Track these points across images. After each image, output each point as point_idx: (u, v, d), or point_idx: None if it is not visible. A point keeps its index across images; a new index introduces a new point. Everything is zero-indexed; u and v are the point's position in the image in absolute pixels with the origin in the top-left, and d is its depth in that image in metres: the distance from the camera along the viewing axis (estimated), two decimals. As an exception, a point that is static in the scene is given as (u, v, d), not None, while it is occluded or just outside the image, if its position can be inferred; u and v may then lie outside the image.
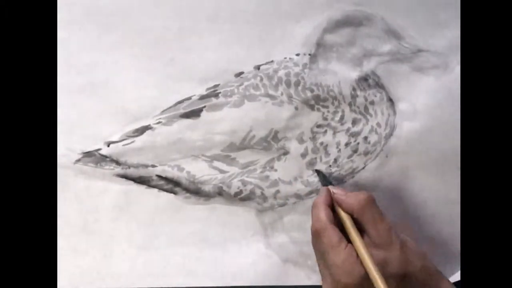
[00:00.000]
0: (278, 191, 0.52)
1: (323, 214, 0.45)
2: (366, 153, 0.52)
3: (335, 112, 0.51)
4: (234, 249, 0.52)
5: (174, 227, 0.51)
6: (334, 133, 0.51)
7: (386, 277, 0.42)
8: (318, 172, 0.51)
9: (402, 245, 0.44)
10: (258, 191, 0.51)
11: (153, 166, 0.51)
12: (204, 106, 0.50)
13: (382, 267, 0.43)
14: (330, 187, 0.47)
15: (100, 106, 0.50)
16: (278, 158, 0.51)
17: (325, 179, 0.50)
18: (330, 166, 0.52)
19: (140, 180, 0.51)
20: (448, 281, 0.47)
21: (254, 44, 0.50)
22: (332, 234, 0.44)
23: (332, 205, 0.46)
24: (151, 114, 0.50)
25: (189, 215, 0.52)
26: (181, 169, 0.51)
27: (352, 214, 0.45)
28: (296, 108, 0.50)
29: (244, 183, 0.51)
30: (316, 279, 0.53)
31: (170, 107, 0.50)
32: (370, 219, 0.44)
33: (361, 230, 0.45)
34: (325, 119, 0.51)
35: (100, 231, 0.51)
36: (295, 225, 0.52)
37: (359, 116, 0.51)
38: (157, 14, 0.49)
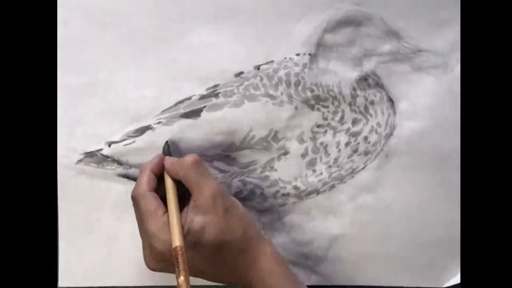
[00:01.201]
0: (278, 191, 0.51)
1: (144, 180, 0.44)
2: (366, 153, 0.52)
3: (335, 112, 0.51)
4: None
5: (175, 226, 0.51)
6: (334, 133, 0.51)
7: (201, 244, 0.42)
8: (166, 142, 0.49)
9: (226, 211, 0.43)
10: (258, 191, 0.51)
11: (154, 166, 0.51)
12: (204, 106, 0.50)
13: (199, 233, 0.42)
14: (165, 157, 0.46)
15: (101, 106, 0.50)
16: (278, 158, 0.51)
17: (167, 150, 0.49)
18: (330, 166, 0.52)
19: (141, 180, 0.51)
20: (270, 243, 0.46)
21: (254, 44, 0.50)
22: (149, 202, 0.43)
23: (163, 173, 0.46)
24: (152, 114, 0.50)
25: (189, 214, 0.52)
26: (181, 169, 0.51)
27: (179, 179, 0.44)
28: (296, 108, 0.50)
29: (244, 183, 0.51)
30: (316, 279, 0.53)
31: (170, 107, 0.50)
32: (194, 182, 0.43)
33: (190, 193, 0.44)
34: (325, 119, 0.51)
35: (102, 230, 0.51)
36: (295, 225, 0.52)
37: (359, 116, 0.51)
38: (157, 14, 0.49)
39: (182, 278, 0.39)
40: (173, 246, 0.41)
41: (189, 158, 0.44)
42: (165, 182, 0.45)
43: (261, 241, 0.46)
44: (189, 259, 0.41)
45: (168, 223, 0.42)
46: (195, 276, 0.45)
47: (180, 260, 0.40)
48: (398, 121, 0.52)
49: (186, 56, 0.50)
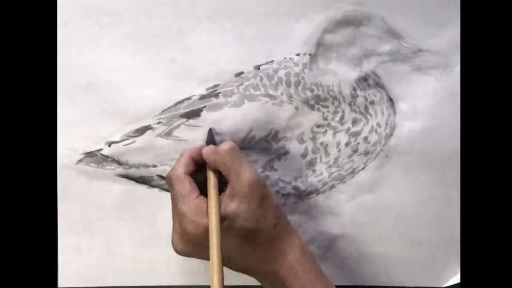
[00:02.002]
0: (278, 191, 0.52)
1: (181, 163, 0.45)
2: (366, 153, 0.52)
3: (335, 112, 0.51)
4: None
5: (175, 226, 0.52)
6: (334, 133, 0.51)
7: (233, 229, 0.43)
8: (210, 130, 0.50)
9: (261, 200, 0.44)
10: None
11: (154, 166, 0.51)
12: (204, 106, 0.50)
13: (232, 219, 0.43)
14: (205, 147, 0.47)
15: (101, 106, 0.50)
16: (278, 158, 0.51)
17: (210, 138, 0.49)
18: (330, 166, 0.52)
19: (142, 180, 0.51)
20: (299, 237, 0.46)
21: (254, 44, 0.50)
22: (183, 184, 0.43)
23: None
24: (151, 114, 0.50)
25: (189, 214, 0.52)
26: (181, 169, 0.51)
27: (217, 168, 0.45)
28: (296, 108, 0.50)
29: (244, 183, 0.51)
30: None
31: (170, 107, 0.50)
32: (231, 170, 0.44)
33: (228, 181, 0.44)
34: (325, 119, 0.51)
35: (102, 230, 0.51)
36: (295, 225, 0.52)
37: (359, 116, 0.51)
38: (157, 14, 0.49)
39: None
40: (210, 226, 0.41)
41: (225, 146, 0.45)
42: (207, 170, 0.45)
43: (291, 233, 0.46)
44: (222, 244, 0.41)
45: (200, 205, 0.43)
46: None
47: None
48: (398, 121, 0.52)
49: (186, 56, 0.50)
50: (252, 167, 0.45)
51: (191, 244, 0.44)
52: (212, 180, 0.45)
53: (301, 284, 0.44)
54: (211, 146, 0.46)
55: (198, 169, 0.46)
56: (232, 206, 0.43)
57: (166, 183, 0.51)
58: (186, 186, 0.44)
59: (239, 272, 0.47)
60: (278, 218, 0.45)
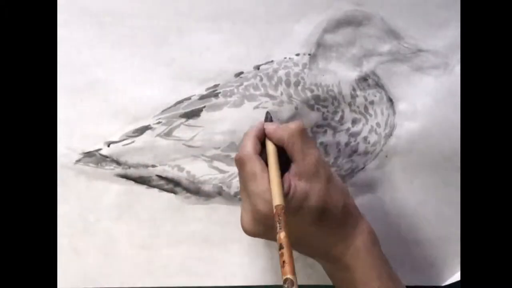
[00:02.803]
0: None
1: (250, 143, 0.44)
2: (366, 153, 0.52)
3: (335, 112, 0.51)
4: (234, 249, 0.52)
5: (175, 226, 0.51)
6: (334, 133, 0.51)
7: (304, 209, 0.42)
8: (267, 112, 0.50)
9: (328, 180, 0.43)
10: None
11: (153, 166, 0.51)
12: (204, 106, 0.50)
13: (302, 198, 0.42)
14: (265, 122, 0.46)
15: (100, 106, 0.50)
16: (278, 158, 0.51)
17: (269, 117, 0.49)
18: (330, 166, 0.52)
19: (141, 180, 0.51)
20: (367, 222, 0.46)
21: (254, 44, 0.50)
22: (255, 164, 0.43)
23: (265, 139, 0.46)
24: (151, 114, 0.50)
25: (189, 215, 0.52)
26: (181, 169, 0.51)
27: (282, 145, 0.44)
28: (296, 108, 0.50)
29: (244, 183, 0.51)
30: (316, 279, 0.53)
31: (170, 107, 0.50)
32: (298, 149, 0.43)
33: (291, 161, 0.44)
34: (325, 119, 0.51)
35: (101, 231, 0.51)
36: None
37: (359, 116, 0.51)
38: (157, 14, 0.49)
39: (283, 233, 0.38)
40: (274, 204, 0.40)
41: (294, 125, 0.44)
42: (267, 146, 0.45)
43: (359, 219, 0.45)
44: (289, 224, 0.39)
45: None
46: None
47: (282, 217, 0.39)
48: (398, 121, 0.52)
49: (186, 56, 0.50)
50: (317, 148, 0.44)
51: (262, 224, 0.43)
52: (272, 155, 0.44)
53: (365, 271, 0.44)
54: (277, 123, 0.46)
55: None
56: (301, 186, 0.42)
57: (165, 183, 0.51)
58: (258, 166, 0.43)
59: (305, 255, 0.46)
60: (345, 200, 0.44)
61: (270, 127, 0.45)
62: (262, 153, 0.45)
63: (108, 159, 0.50)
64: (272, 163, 0.43)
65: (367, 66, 0.51)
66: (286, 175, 0.43)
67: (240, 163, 0.44)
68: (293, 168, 0.43)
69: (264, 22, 0.50)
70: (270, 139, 0.45)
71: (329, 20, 0.50)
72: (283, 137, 0.44)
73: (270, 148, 0.44)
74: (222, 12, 0.49)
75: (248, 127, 0.50)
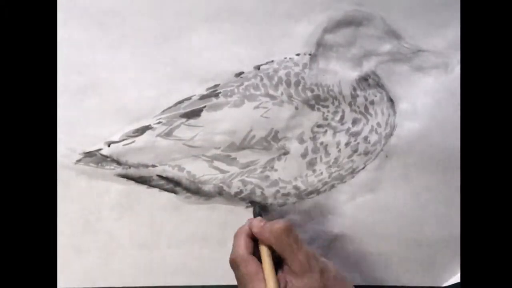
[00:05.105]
0: (278, 191, 0.52)
1: (241, 243, 0.45)
2: (366, 153, 0.52)
3: (335, 112, 0.51)
4: (234, 249, 0.52)
5: (175, 226, 0.52)
6: (334, 133, 0.51)
7: None
8: (253, 203, 0.50)
9: (322, 272, 0.44)
10: (258, 191, 0.51)
11: (154, 166, 0.51)
12: (204, 106, 0.50)
13: None
14: (252, 219, 0.47)
15: (100, 106, 0.50)
16: (278, 158, 0.51)
17: (258, 212, 0.49)
18: (330, 166, 0.52)
19: (141, 180, 0.51)
20: None
21: (254, 44, 0.50)
22: (250, 265, 0.43)
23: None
24: (151, 114, 0.50)
25: (189, 214, 0.52)
26: (181, 169, 0.51)
27: (271, 245, 0.44)
28: (296, 108, 0.50)
29: (244, 183, 0.51)
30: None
31: (170, 107, 0.50)
32: (287, 249, 0.43)
33: (281, 259, 0.44)
34: (325, 119, 0.51)
35: (102, 230, 0.51)
36: (295, 225, 0.52)
37: (359, 116, 0.51)
38: (157, 14, 0.49)
39: None
40: None
41: (280, 225, 0.44)
42: (259, 245, 0.45)
43: None
44: None
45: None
46: None
47: None
48: (398, 121, 0.52)
49: (186, 56, 0.50)
50: (305, 243, 0.44)
51: None
52: (265, 255, 0.44)
53: None
54: (261, 221, 0.45)
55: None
56: (297, 283, 0.43)
57: (166, 183, 0.51)
58: (253, 266, 0.43)
59: None
60: (342, 285, 0.45)
61: (256, 227, 0.45)
62: (256, 250, 0.45)
63: (108, 159, 0.50)
64: (266, 262, 0.44)
65: (368, 66, 0.51)
66: (281, 274, 0.44)
67: (234, 265, 0.44)
68: (286, 266, 0.44)
69: (265, 22, 0.50)
70: (259, 239, 0.45)
71: (329, 20, 0.50)
72: (270, 239, 0.44)
73: (263, 247, 0.45)
74: (222, 12, 0.49)
75: (249, 127, 0.50)
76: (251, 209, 0.51)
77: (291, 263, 0.43)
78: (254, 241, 0.45)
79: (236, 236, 0.46)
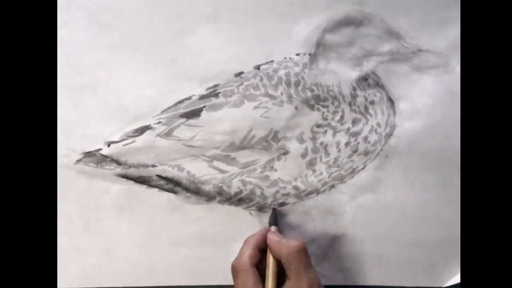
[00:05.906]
0: (278, 191, 0.52)
1: (248, 253, 0.45)
2: (366, 153, 0.52)
3: (335, 112, 0.51)
4: (234, 248, 0.52)
5: (175, 226, 0.52)
6: (334, 133, 0.51)
7: None
8: (274, 210, 0.50)
9: None
10: (258, 191, 0.51)
11: (153, 166, 0.51)
12: (204, 106, 0.50)
13: None
14: (271, 228, 0.47)
15: (100, 106, 0.50)
16: (278, 158, 0.51)
17: (273, 220, 0.49)
18: (330, 166, 0.52)
19: (141, 180, 0.51)
20: None
21: (254, 44, 0.50)
22: (248, 277, 0.44)
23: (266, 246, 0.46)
24: (151, 114, 0.50)
25: (189, 214, 0.52)
26: (181, 169, 0.51)
27: (280, 260, 0.44)
28: (296, 108, 0.50)
29: (244, 183, 0.51)
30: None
31: (170, 107, 0.50)
32: (295, 269, 0.44)
33: (286, 277, 0.44)
34: (325, 119, 0.51)
35: (101, 230, 0.51)
36: (295, 225, 0.52)
37: (359, 116, 0.51)
38: (157, 14, 0.49)
39: None
40: None
41: (295, 243, 0.44)
42: (267, 257, 0.45)
43: None
44: None
45: None
46: None
47: None
48: (398, 121, 0.52)
49: (186, 56, 0.50)
50: (314, 270, 0.44)
51: None
52: (272, 270, 0.45)
53: None
54: (278, 236, 0.46)
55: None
56: None
57: (165, 183, 0.51)
58: (251, 278, 0.43)
59: None
60: None
61: (272, 240, 0.45)
62: (262, 261, 0.45)
63: (108, 159, 0.50)
64: (270, 277, 0.44)
65: (367, 66, 0.51)
66: None
67: (234, 273, 0.45)
68: (288, 283, 0.44)
69: (264, 22, 0.50)
70: (270, 251, 0.45)
71: (329, 20, 0.50)
72: (282, 254, 0.44)
73: (270, 261, 0.45)
74: (222, 12, 0.50)
75: (249, 127, 0.50)
76: (250, 210, 0.51)
77: (293, 284, 0.43)
78: (261, 250, 0.46)
79: (245, 243, 0.46)
